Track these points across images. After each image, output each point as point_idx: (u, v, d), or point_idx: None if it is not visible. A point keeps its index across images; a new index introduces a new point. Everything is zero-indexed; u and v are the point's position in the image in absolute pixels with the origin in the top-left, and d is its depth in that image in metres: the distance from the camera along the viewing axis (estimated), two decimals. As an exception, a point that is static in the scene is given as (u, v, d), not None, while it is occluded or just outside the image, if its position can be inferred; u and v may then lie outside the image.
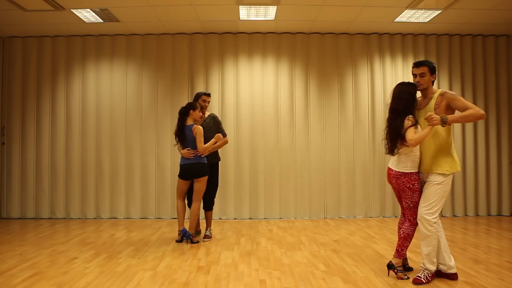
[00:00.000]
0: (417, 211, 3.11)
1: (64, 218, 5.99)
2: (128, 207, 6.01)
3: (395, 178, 3.16)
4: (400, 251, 3.14)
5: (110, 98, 6.06)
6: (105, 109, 6.06)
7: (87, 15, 5.29)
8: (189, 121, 4.44)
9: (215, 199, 4.77)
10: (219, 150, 4.84)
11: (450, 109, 3.07)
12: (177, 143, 4.51)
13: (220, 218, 5.99)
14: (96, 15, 5.28)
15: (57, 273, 3.35)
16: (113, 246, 4.32)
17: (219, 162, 4.84)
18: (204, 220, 4.77)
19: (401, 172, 3.13)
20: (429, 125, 2.94)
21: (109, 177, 6.01)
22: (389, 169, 3.24)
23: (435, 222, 3.03)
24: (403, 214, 3.28)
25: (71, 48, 6.11)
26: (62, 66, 6.10)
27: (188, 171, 4.41)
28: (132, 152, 6.03)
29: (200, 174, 4.38)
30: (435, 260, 3.09)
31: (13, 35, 6.05)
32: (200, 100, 4.60)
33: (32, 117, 6.07)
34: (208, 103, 4.69)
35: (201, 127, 4.38)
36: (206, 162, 4.44)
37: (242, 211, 6.00)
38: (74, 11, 5.12)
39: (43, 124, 6.07)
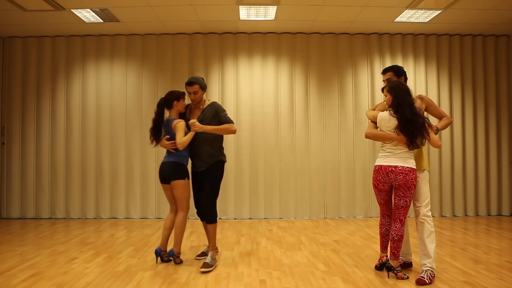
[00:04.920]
0: (407, 211, 3.15)
1: (64, 218, 5.99)
2: (128, 207, 6.01)
3: (403, 174, 3.05)
4: (396, 253, 3.13)
5: (110, 98, 6.06)
6: (105, 109, 6.06)
7: (87, 15, 5.29)
8: (173, 114, 3.67)
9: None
10: (226, 149, 3.86)
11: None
12: (153, 142, 3.66)
13: (220, 218, 5.98)
14: (96, 15, 5.28)
15: (57, 273, 3.35)
16: (113, 246, 4.31)
17: (224, 163, 3.72)
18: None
19: (411, 168, 3.09)
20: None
21: (109, 177, 6.01)
22: (390, 166, 3.10)
23: None
24: (387, 215, 3.27)
25: (71, 48, 6.11)
26: (62, 66, 6.10)
27: (160, 173, 3.63)
28: (132, 152, 6.03)
29: (172, 177, 3.53)
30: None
31: (13, 35, 6.05)
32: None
33: (32, 117, 6.07)
34: (193, 94, 3.65)
35: (182, 122, 3.54)
36: (182, 162, 3.58)
37: (242, 211, 6.00)
38: (74, 11, 5.12)
39: (43, 124, 6.07)
